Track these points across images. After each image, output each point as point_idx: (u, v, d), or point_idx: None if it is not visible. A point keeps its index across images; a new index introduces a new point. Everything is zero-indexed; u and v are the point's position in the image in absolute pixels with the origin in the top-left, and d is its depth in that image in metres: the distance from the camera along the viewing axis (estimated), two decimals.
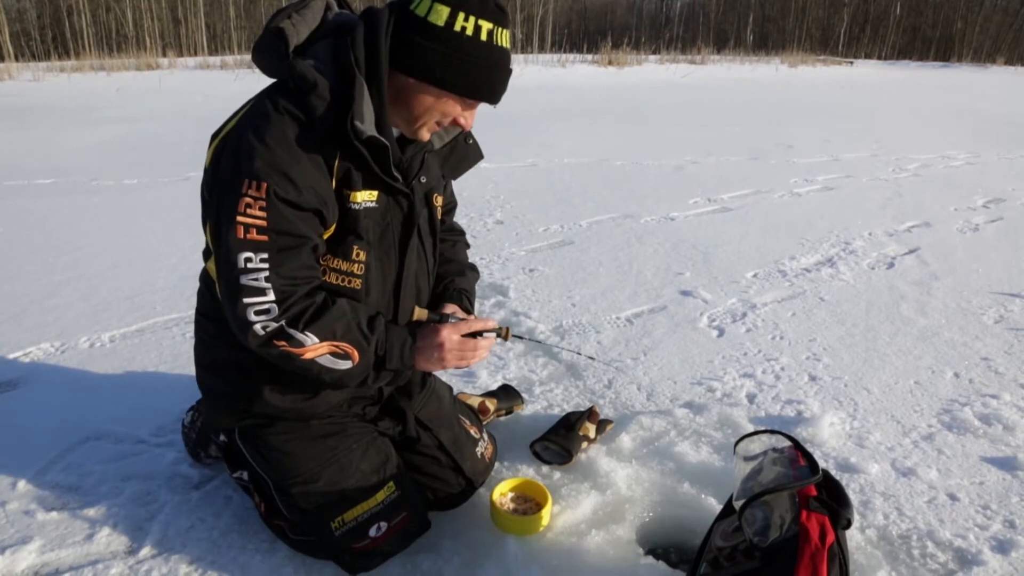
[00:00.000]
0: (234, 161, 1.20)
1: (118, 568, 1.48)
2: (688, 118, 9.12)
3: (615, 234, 3.95)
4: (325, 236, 1.31)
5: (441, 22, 1.20)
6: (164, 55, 18.18)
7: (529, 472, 1.81)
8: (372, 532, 1.46)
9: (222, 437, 1.66)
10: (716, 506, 1.62)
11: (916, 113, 10.46)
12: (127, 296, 2.96)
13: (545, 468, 1.82)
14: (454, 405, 1.76)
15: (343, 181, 1.29)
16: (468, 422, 1.75)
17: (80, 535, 1.58)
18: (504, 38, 1.26)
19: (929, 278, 3.31)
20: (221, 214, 1.21)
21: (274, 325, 1.23)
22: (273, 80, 1.29)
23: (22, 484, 1.74)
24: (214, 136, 1.30)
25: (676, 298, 3.03)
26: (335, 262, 1.33)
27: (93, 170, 5.42)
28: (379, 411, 1.57)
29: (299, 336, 1.24)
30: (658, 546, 1.61)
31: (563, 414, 1.97)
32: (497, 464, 1.82)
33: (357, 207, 1.31)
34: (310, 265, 1.27)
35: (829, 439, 1.99)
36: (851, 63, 25.77)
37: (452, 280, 1.61)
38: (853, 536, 1.59)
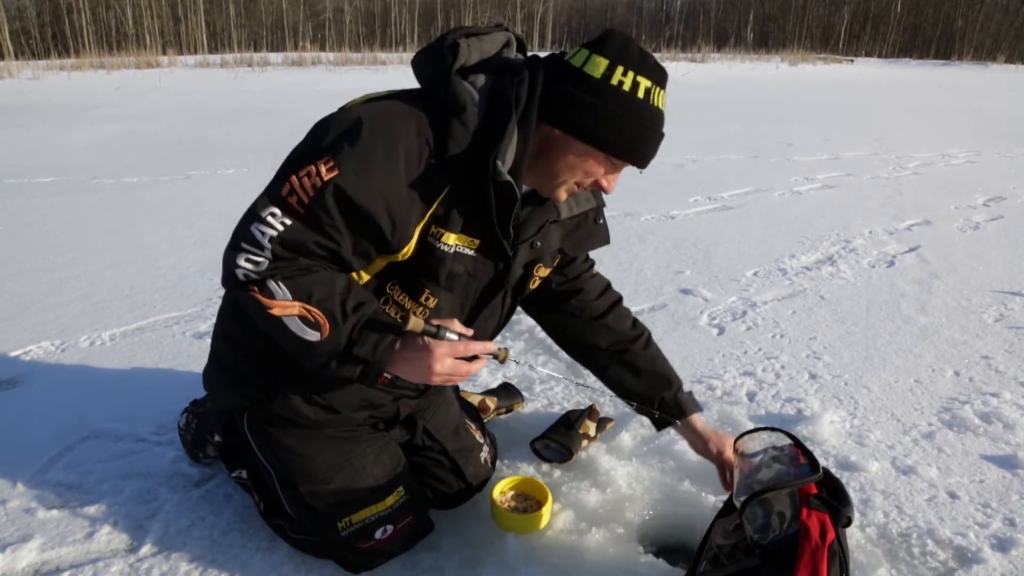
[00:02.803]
0: (336, 134, 1.15)
1: (118, 566, 1.48)
2: (688, 116, 9.10)
3: (615, 232, 3.90)
4: (397, 259, 1.23)
5: (598, 74, 1.15)
6: (164, 53, 18.22)
7: (529, 470, 1.81)
8: (378, 534, 1.45)
9: (218, 437, 1.66)
10: (716, 504, 1.63)
11: (916, 111, 10.45)
12: (127, 294, 2.96)
13: (545, 466, 1.82)
14: (460, 411, 1.75)
15: (439, 219, 1.21)
16: (473, 426, 1.75)
17: (80, 533, 1.58)
18: (661, 99, 1.20)
19: (929, 276, 3.31)
20: (290, 163, 1.17)
21: (256, 277, 1.17)
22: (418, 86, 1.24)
23: (23, 482, 1.74)
24: (344, 105, 1.24)
25: (676, 296, 3.03)
26: (401, 297, 1.28)
27: (93, 168, 5.42)
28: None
29: (272, 286, 1.16)
30: (658, 544, 1.61)
31: (563, 412, 1.97)
32: (498, 462, 1.82)
33: (447, 249, 1.23)
34: (321, 256, 1.20)
35: (829, 437, 1.98)
36: (852, 61, 25.79)
37: (675, 386, 1.65)
38: (853, 534, 1.58)
